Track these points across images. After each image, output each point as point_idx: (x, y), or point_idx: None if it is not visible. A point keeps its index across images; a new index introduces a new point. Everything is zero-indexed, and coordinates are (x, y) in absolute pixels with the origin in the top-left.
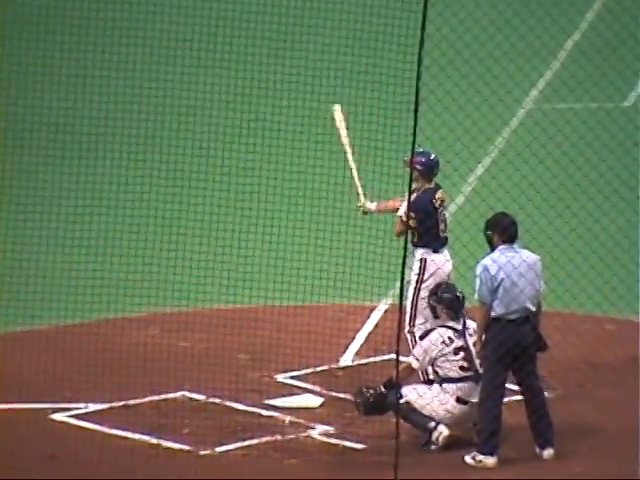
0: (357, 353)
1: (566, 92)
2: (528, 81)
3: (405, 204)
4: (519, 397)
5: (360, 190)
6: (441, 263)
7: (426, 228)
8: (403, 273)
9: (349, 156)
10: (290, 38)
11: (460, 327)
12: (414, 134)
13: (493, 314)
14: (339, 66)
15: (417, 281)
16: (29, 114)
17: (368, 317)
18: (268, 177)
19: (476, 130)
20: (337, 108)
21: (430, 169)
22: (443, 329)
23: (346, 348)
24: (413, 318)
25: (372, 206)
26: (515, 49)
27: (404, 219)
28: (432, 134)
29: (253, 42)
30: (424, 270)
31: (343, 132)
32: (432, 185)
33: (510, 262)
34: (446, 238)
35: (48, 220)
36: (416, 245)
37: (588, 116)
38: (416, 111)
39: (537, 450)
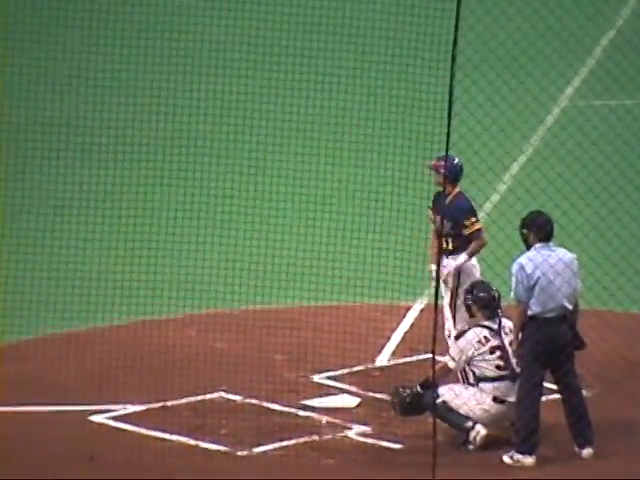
0: (393, 353)
1: (602, 89)
2: (563, 78)
3: (463, 257)
4: (557, 396)
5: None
6: (474, 261)
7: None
8: (438, 272)
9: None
10: (323, 38)
11: (496, 326)
12: (448, 133)
13: (530, 313)
14: (372, 65)
15: (454, 287)
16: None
17: (404, 317)
18: (302, 177)
19: (511, 128)
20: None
21: (455, 174)
22: (479, 328)
23: (382, 348)
24: (455, 324)
25: (438, 268)
26: (550, 46)
27: (478, 227)
28: (466, 132)
29: (279, 42)
30: (459, 275)
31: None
32: (459, 189)
33: (546, 260)
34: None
35: (85, 223)
36: (450, 253)
37: (624, 113)
38: (450, 109)
39: (576, 449)
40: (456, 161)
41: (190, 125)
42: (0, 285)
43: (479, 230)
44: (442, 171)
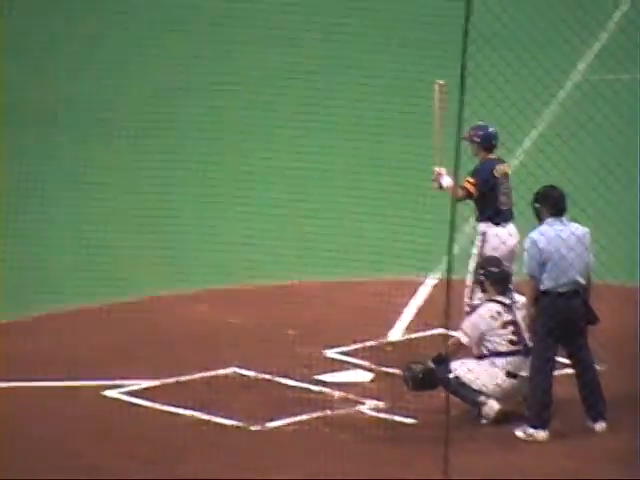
0: (407, 328)
1: (614, 63)
2: (576, 53)
3: (448, 177)
4: (570, 370)
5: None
6: (504, 237)
7: (484, 199)
8: (451, 247)
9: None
10: (337, 14)
11: (508, 301)
12: (460, 109)
13: (542, 287)
14: (384, 40)
15: (478, 254)
16: (71, 92)
17: (416, 292)
18: (312, 152)
19: (523, 103)
20: (439, 82)
21: (488, 140)
22: (491, 303)
23: (395, 323)
24: (474, 292)
25: (447, 182)
26: (563, 21)
27: (466, 185)
28: (478, 108)
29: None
30: (484, 243)
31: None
32: (494, 156)
33: (559, 235)
34: (510, 213)
35: (97, 199)
36: (479, 220)
37: (637, 86)
38: (462, 85)
39: (589, 423)
40: (491, 129)
41: (202, 101)
42: (12, 261)
43: (464, 188)
44: (473, 139)
